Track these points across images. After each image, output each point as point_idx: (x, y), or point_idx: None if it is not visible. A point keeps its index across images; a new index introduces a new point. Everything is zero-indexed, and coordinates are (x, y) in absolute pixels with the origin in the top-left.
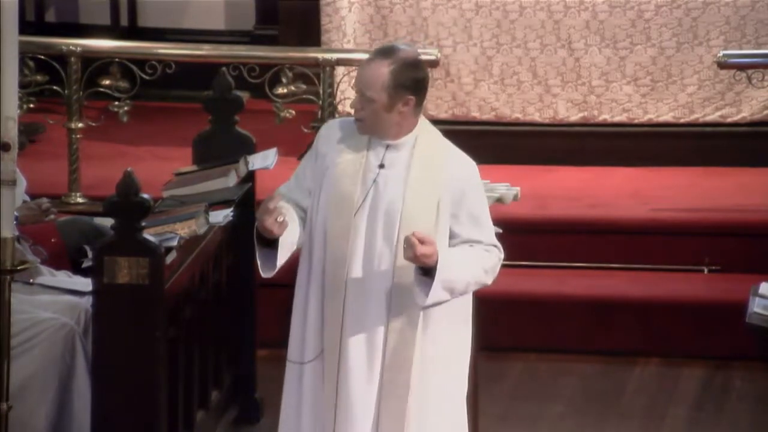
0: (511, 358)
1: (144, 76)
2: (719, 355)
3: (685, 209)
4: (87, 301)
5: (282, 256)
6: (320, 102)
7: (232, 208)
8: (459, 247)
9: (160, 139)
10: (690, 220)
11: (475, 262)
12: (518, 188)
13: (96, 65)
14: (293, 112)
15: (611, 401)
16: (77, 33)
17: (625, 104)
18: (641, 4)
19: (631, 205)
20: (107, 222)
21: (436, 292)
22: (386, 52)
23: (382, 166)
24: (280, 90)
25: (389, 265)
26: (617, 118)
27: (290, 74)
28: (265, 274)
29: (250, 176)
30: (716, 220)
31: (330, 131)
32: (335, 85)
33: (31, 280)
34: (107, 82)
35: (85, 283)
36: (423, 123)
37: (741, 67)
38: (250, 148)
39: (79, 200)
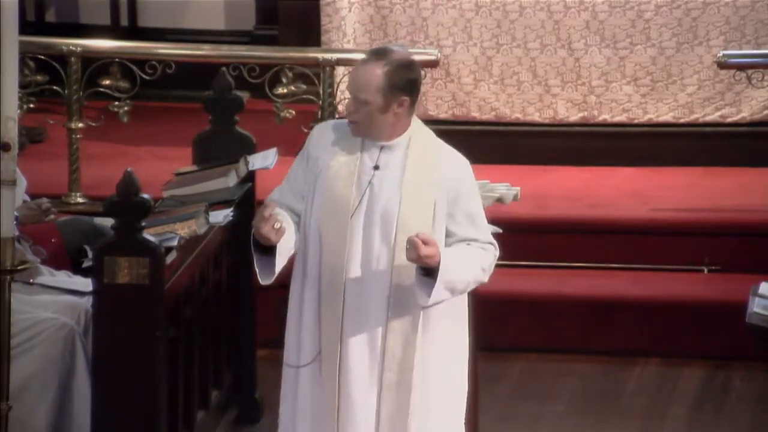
0: (511, 358)
1: (144, 76)
2: (719, 355)
3: (685, 209)
4: (87, 301)
5: (280, 263)
6: (320, 102)
7: (232, 208)
8: (457, 246)
9: (160, 139)
10: (690, 220)
11: (474, 261)
12: (518, 188)
13: (96, 65)
14: (293, 112)
15: (611, 401)
16: (77, 33)
17: (625, 104)
18: (641, 4)
19: (631, 205)
20: (107, 222)
21: (438, 292)
22: (379, 54)
23: (376, 167)
24: (280, 90)
25: (387, 267)
26: (617, 118)
27: (290, 74)
28: (263, 281)
29: (250, 176)
30: (716, 220)
31: (321, 134)
32: (335, 85)
33: (31, 280)
34: (107, 82)
35: (85, 283)
36: (416, 123)
37: (741, 67)
38: (250, 148)
39: (79, 200)
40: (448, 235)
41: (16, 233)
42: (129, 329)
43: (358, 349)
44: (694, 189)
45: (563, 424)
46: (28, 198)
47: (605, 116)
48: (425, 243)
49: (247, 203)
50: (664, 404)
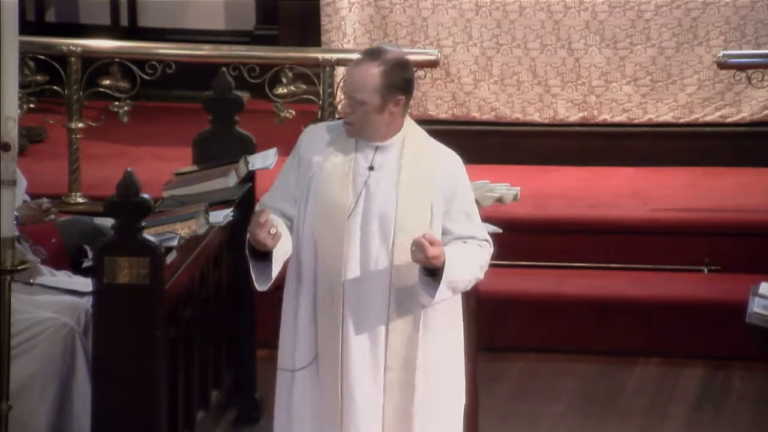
0: (511, 358)
1: (144, 76)
2: (719, 355)
3: (685, 209)
4: (87, 301)
5: (276, 268)
6: (320, 102)
7: (232, 208)
8: (456, 245)
9: (160, 139)
10: (690, 220)
11: (474, 259)
12: (518, 188)
13: (96, 65)
14: (293, 112)
15: (611, 401)
16: (77, 33)
17: (625, 104)
18: (641, 4)
19: (631, 205)
20: (107, 222)
21: (442, 292)
22: (374, 54)
23: (371, 168)
24: (280, 90)
25: (387, 268)
26: (617, 118)
27: (290, 74)
28: (260, 287)
29: (250, 176)
30: (716, 220)
31: (312, 136)
32: (335, 85)
33: (31, 281)
34: (107, 82)
35: (85, 284)
36: (409, 123)
37: (741, 67)
38: (250, 148)
39: (79, 200)
40: (444, 233)
41: (16, 233)
42: (129, 329)
43: (360, 351)
44: (694, 189)
45: (563, 424)
46: (28, 198)
47: (605, 116)
48: (431, 243)
49: (247, 203)
50: (664, 404)
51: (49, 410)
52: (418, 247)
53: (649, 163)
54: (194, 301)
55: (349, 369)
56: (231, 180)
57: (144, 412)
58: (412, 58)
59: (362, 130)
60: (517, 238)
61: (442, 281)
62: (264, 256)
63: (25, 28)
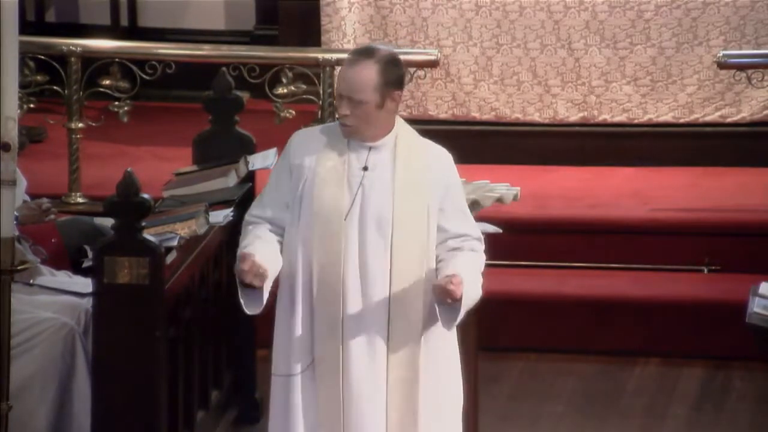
0: (511, 358)
1: (144, 76)
2: (719, 355)
3: (685, 209)
4: (87, 302)
5: (266, 295)
6: (320, 102)
7: (232, 208)
8: (461, 260)
9: (160, 139)
10: (690, 220)
11: (478, 272)
12: (518, 188)
13: (96, 65)
14: (293, 112)
15: (611, 401)
16: (77, 33)
17: (625, 104)
18: (641, 4)
19: (631, 205)
20: (107, 222)
21: (461, 317)
22: (368, 53)
23: (365, 168)
24: (280, 90)
25: (386, 269)
26: (617, 118)
27: (290, 74)
28: (251, 311)
29: (250, 176)
30: (716, 220)
31: (301, 141)
32: (335, 85)
33: (31, 281)
34: (107, 82)
35: (85, 284)
36: (399, 122)
37: (741, 67)
38: (250, 148)
39: (79, 200)
40: (439, 230)
41: (16, 233)
42: (129, 329)
43: (361, 352)
44: (694, 189)
45: (563, 424)
46: (28, 198)
47: (605, 116)
48: (454, 284)
49: (247, 203)
50: (664, 404)
51: (49, 410)
52: (443, 292)
53: (649, 163)
54: (194, 301)
55: (349, 370)
56: (231, 180)
57: (144, 412)
58: (412, 58)
59: (361, 130)
60: (517, 238)
61: (461, 308)
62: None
63: (25, 28)
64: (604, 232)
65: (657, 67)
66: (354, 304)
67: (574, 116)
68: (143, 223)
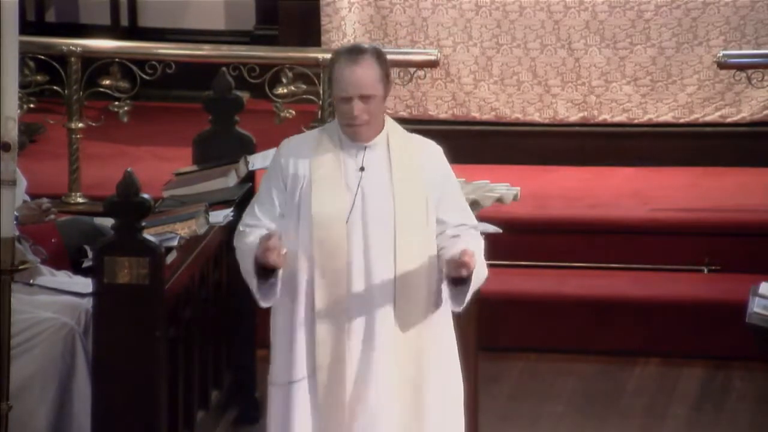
0: (511, 358)
1: (144, 76)
2: (719, 355)
3: (685, 209)
4: (87, 302)
5: (280, 284)
6: (320, 102)
7: (232, 208)
8: (465, 240)
9: (160, 139)
10: (690, 220)
11: (481, 254)
12: (518, 188)
13: (96, 65)
14: (293, 112)
15: (611, 401)
16: (77, 33)
17: (624, 104)
18: (641, 4)
19: (631, 205)
20: (107, 222)
21: (469, 296)
22: (361, 50)
23: (362, 169)
24: (280, 90)
25: (390, 269)
26: (617, 118)
27: (290, 74)
28: (265, 304)
29: (250, 176)
30: (716, 220)
31: (291, 149)
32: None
33: (31, 281)
34: (107, 82)
35: (85, 284)
36: (388, 120)
37: (741, 67)
38: (250, 148)
39: (79, 200)
40: (439, 223)
41: (16, 233)
42: (129, 329)
43: (366, 353)
44: (694, 189)
45: (563, 424)
46: (28, 198)
47: (605, 116)
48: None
49: (247, 203)
50: (664, 404)
51: (49, 410)
52: (458, 265)
53: (649, 163)
54: (194, 301)
55: (356, 373)
56: (231, 180)
57: (144, 412)
58: (412, 58)
59: (374, 124)
60: (517, 238)
61: (470, 286)
62: (268, 274)
63: (25, 28)
64: (604, 232)
65: (657, 67)
66: (359, 305)
67: (574, 116)
68: (143, 223)
